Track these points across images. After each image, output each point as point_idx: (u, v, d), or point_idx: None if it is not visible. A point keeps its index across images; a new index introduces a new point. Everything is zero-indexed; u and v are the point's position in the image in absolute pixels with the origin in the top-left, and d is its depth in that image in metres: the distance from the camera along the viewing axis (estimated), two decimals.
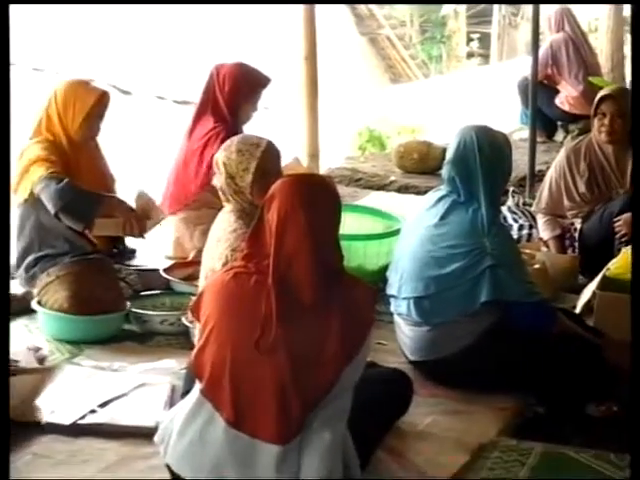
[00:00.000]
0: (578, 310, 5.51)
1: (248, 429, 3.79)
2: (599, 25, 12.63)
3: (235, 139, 4.92)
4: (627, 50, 11.86)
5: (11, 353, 4.73)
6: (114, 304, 5.55)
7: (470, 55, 20.28)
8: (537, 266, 5.97)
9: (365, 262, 5.63)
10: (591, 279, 5.72)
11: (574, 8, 10.49)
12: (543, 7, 8.22)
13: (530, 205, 7.12)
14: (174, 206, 6.46)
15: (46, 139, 5.71)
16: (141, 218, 5.73)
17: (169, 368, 4.88)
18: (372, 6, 19.28)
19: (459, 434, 4.51)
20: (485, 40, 20.14)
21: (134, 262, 6.12)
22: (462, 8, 20.36)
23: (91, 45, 12.52)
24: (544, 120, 9.74)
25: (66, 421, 4.54)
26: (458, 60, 19.94)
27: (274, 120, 7.90)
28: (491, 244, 4.80)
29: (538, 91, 8.35)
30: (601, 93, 6.64)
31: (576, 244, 6.56)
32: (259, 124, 6.60)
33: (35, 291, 5.60)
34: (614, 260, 5.53)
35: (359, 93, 13.69)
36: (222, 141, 6.11)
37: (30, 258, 5.75)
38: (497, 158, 4.96)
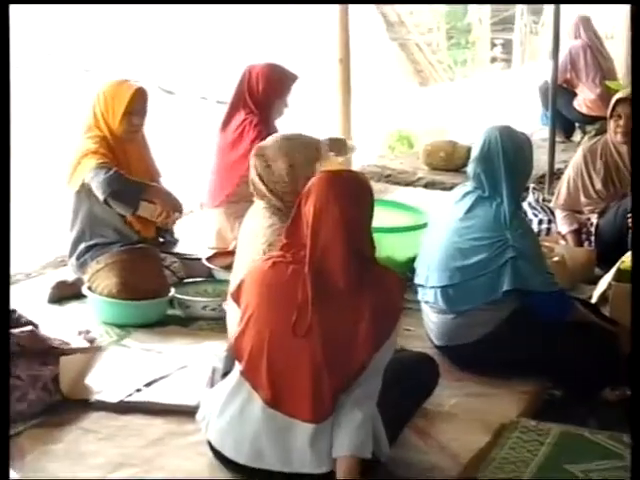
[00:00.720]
0: (594, 300, 5.49)
1: (284, 408, 3.79)
2: (615, 32, 12.58)
3: (274, 138, 4.93)
4: None
5: (62, 335, 4.77)
6: (159, 290, 5.57)
7: (493, 60, 20.21)
8: (556, 259, 5.95)
9: (394, 253, 5.62)
10: (607, 271, 5.70)
11: (592, 16, 10.43)
12: (563, 15, 8.17)
13: (549, 201, 7.09)
14: (215, 199, 6.46)
15: (96, 135, 5.73)
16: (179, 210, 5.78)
17: (210, 350, 4.88)
18: (402, 14, 19.27)
19: (481, 415, 4.51)
20: (508, 46, 20.08)
21: (178, 251, 6.11)
22: (486, 16, 20.34)
23: (139, 47, 12.53)
24: (563, 121, 9.70)
25: (113, 399, 4.55)
26: (482, 65, 19.88)
27: (310, 119, 7.89)
28: (513, 237, 4.80)
29: (557, 94, 8.32)
30: (617, 96, 6.62)
31: (592, 238, 6.54)
32: (295, 122, 6.60)
33: (86, 277, 5.62)
34: (628, 253, 5.49)
35: (390, 95, 13.65)
36: (255, 132, 6.19)
37: (81, 246, 5.78)
38: (519, 157, 4.95)
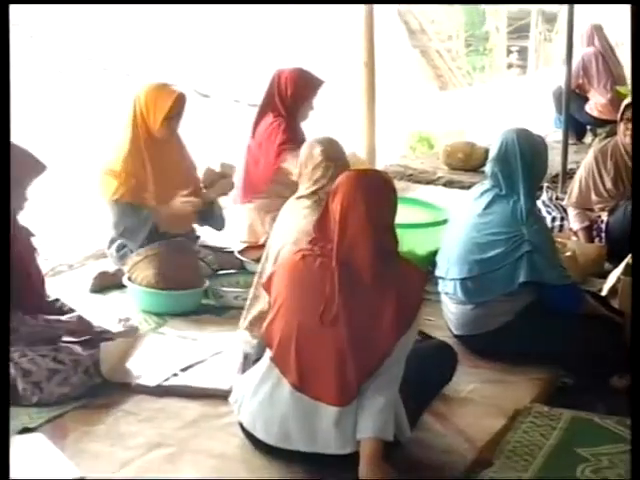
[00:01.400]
0: (604, 293, 5.49)
1: (311, 392, 3.80)
2: (625, 40, 12.51)
3: (314, 140, 5.02)
4: None
5: (102, 324, 4.78)
6: (195, 281, 5.58)
7: (510, 66, 20.15)
8: (568, 254, 5.94)
9: (416, 248, 5.61)
10: (616, 266, 5.70)
11: (604, 25, 10.38)
12: (576, 24, 8.13)
13: (562, 199, 7.07)
14: (246, 196, 6.48)
15: (134, 143, 5.74)
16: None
17: (242, 338, 4.87)
18: (424, 22, 19.27)
19: (497, 400, 4.51)
20: (523, 53, 20.02)
21: (212, 244, 6.12)
22: (503, 25, 20.30)
23: (176, 50, 12.55)
24: (575, 124, 9.67)
25: (152, 383, 4.56)
26: (499, 70, 19.83)
27: (336, 120, 7.90)
28: (528, 232, 4.80)
29: (570, 99, 8.29)
30: (626, 101, 6.60)
31: (603, 234, 6.52)
32: (323, 123, 6.61)
33: (126, 268, 5.63)
34: None
35: (411, 98, 13.63)
36: (282, 136, 6.21)
37: (124, 238, 5.79)
38: (535, 157, 4.95)
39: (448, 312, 5.10)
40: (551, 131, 9.91)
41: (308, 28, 14.40)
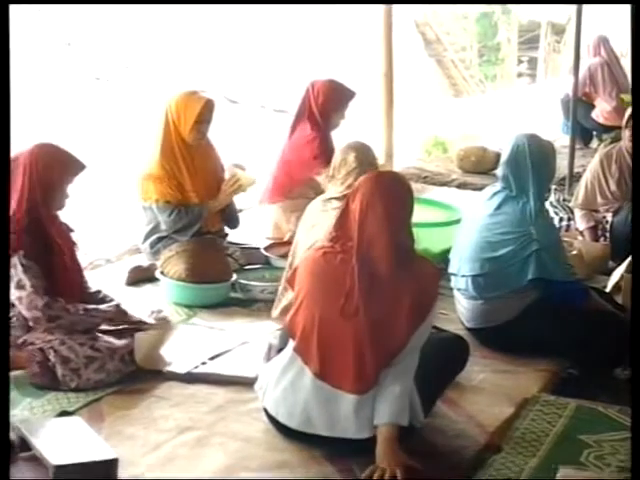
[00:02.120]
0: (608, 289, 5.46)
1: (331, 380, 3.80)
2: (630, 51, 12.47)
3: (348, 146, 5.16)
4: None
5: (137, 314, 4.80)
6: (223, 275, 5.59)
7: (520, 75, 20.08)
8: (574, 252, 5.93)
9: (431, 246, 5.60)
10: (619, 264, 5.68)
11: (609, 36, 10.34)
12: (583, 35, 8.10)
13: (569, 201, 7.05)
14: (276, 196, 6.48)
15: (167, 147, 5.75)
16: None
17: (267, 329, 4.89)
18: (439, 33, 19.24)
19: (506, 390, 4.50)
20: (533, 63, 19.96)
21: (240, 241, 6.13)
22: (514, 36, 20.24)
23: (208, 59, 12.57)
24: (582, 130, 9.64)
25: (182, 370, 4.57)
26: (510, 79, 19.77)
27: (358, 126, 7.89)
28: (537, 232, 4.80)
29: (577, 106, 8.26)
30: (631, 109, 6.57)
31: (607, 234, 6.50)
32: (346, 129, 6.62)
33: (158, 263, 5.65)
34: None
35: (427, 105, 13.61)
36: (316, 144, 6.22)
37: (155, 237, 5.81)
38: (544, 161, 4.95)
39: (460, 306, 5.10)
40: (559, 136, 9.87)
41: (330, 38, 14.40)
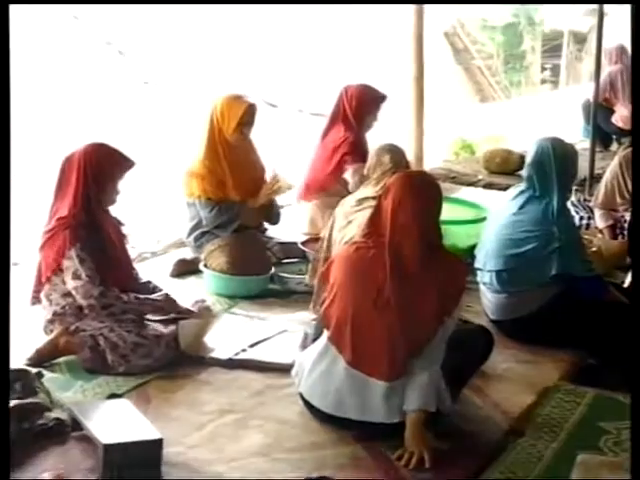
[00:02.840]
0: (626, 284, 5.42)
1: (363, 368, 3.81)
2: None
3: (381, 148, 5.18)
4: None
5: (181, 304, 4.81)
6: (262, 268, 5.59)
7: (543, 82, 19.98)
8: (594, 249, 5.89)
9: (458, 242, 5.57)
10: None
11: (628, 45, 10.24)
12: (603, 44, 8.03)
13: (589, 201, 7.00)
14: (311, 193, 6.48)
15: (211, 147, 5.77)
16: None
17: (303, 319, 4.88)
18: (466, 41, 19.20)
19: (529, 378, 4.49)
20: (556, 70, 19.86)
21: (278, 236, 6.13)
22: (538, 45, 20.16)
23: (250, 63, 12.57)
24: (602, 134, 9.54)
25: (224, 356, 4.59)
26: (534, 85, 19.67)
27: (390, 129, 7.87)
28: (559, 230, 4.78)
29: (597, 111, 8.20)
30: None
31: (625, 232, 6.44)
32: (378, 131, 6.61)
33: (202, 256, 5.66)
34: None
35: (455, 110, 13.56)
36: (350, 145, 6.21)
37: (198, 231, 5.84)
38: (567, 163, 4.92)
39: (485, 300, 5.08)
40: (579, 140, 9.78)
41: (365, 44, 14.37)
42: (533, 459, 3.77)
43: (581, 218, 6.83)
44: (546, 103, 14.48)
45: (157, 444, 3.63)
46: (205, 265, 5.57)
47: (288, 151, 8.19)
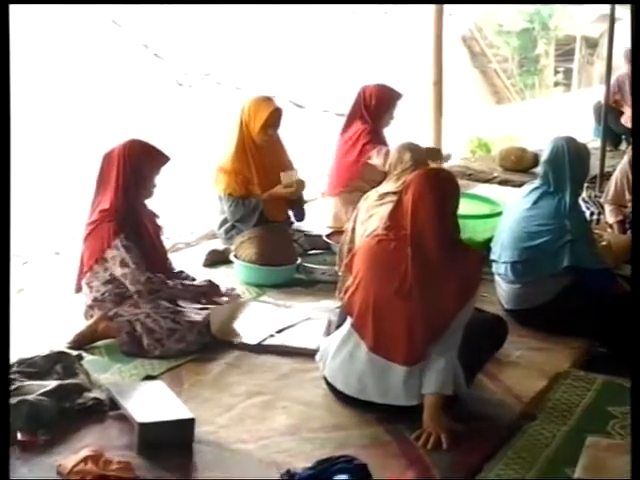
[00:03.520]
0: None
1: (384, 353, 3.81)
2: None
3: (401, 146, 5.21)
4: None
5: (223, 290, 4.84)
6: (289, 259, 5.59)
7: (556, 84, 19.90)
8: (604, 243, 5.85)
9: (474, 235, 5.55)
10: None
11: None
12: (615, 49, 7.97)
13: (599, 197, 6.96)
14: (335, 189, 6.48)
15: (240, 145, 5.78)
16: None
17: (327, 307, 4.88)
18: (483, 45, 19.15)
19: (541, 365, 4.47)
20: (568, 73, 19.77)
21: (304, 229, 6.13)
22: (551, 49, 20.07)
23: (279, 66, 12.57)
24: (612, 134, 9.47)
25: (252, 342, 4.59)
26: (547, 88, 19.59)
27: (411, 128, 7.86)
28: (571, 224, 4.76)
29: (608, 112, 8.14)
30: None
31: None
32: (400, 130, 6.60)
33: (232, 247, 5.67)
34: None
35: (472, 111, 13.52)
36: (366, 140, 6.22)
37: (229, 224, 5.85)
38: (580, 161, 4.91)
39: (500, 290, 5.06)
40: (590, 139, 9.72)
41: (388, 48, 14.34)
42: (544, 441, 3.75)
43: (592, 213, 6.79)
44: (559, 105, 14.42)
45: (189, 423, 3.65)
46: (235, 256, 5.58)
47: (314, 150, 8.18)
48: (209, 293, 4.74)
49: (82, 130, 9.35)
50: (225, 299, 4.87)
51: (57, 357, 4.10)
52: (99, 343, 4.51)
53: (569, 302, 4.75)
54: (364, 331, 3.84)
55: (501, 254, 4.98)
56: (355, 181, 6.29)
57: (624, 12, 9.70)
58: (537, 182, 4.99)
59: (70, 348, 4.34)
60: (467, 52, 19.02)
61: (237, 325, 4.73)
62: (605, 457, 3.56)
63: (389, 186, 5.10)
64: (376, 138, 6.27)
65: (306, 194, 6.24)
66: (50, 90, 10.45)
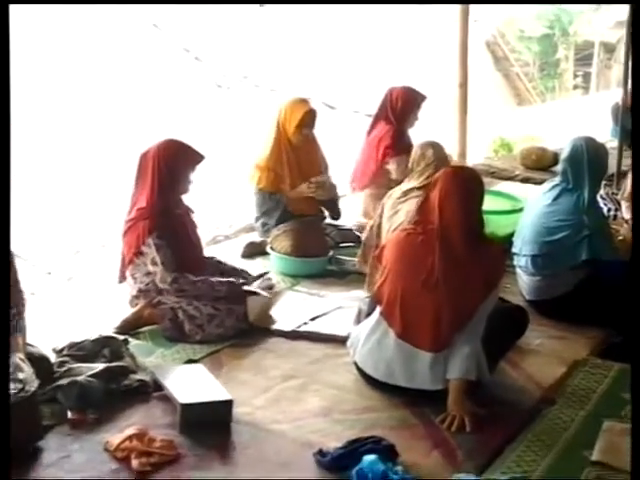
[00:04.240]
0: None
1: (411, 340, 3.81)
2: None
3: (424, 144, 5.17)
4: None
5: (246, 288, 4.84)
6: (321, 251, 5.59)
7: (575, 87, 19.74)
8: (620, 238, 5.77)
9: (497, 230, 5.51)
10: None
11: None
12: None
13: (616, 194, 6.89)
14: (361, 185, 6.47)
15: (276, 144, 5.78)
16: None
17: (357, 296, 4.87)
18: (506, 50, 19.03)
19: (560, 353, 4.45)
20: (587, 77, 19.62)
21: (335, 223, 6.13)
22: (571, 54, 19.93)
23: (312, 68, 12.56)
24: (628, 134, 9.40)
25: (287, 328, 4.61)
26: (566, 91, 19.43)
27: (437, 128, 7.83)
28: (589, 219, 4.74)
29: (625, 114, 8.07)
30: None
31: None
32: (427, 130, 6.57)
33: (268, 240, 5.68)
34: None
35: (495, 112, 13.45)
36: (391, 139, 6.18)
37: (265, 218, 5.85)
38: (599, 159, 4.89)
39: (521, 281, 5.04)
40: (608, 139, 9.62)
41: (416, 53, 14.30)
42: (563, 425, 3.75)
43: (609, 210, 6.71)
44: (578, 106, 14.31)
45: (228, 404, 3.67)
46: (271, 248, 5.59)
47: (345, 149, 8.19)
48: (229, 298, 4.65)
49: (127, 130, 9.39)
50: (259, 290, 4.84)
51: (105, 341, 4.13)
52: (144, 329, 4.54)
53: (587, 293, 4.72)
54: (392, 319, 3.84)
55: (522, 248, 4.96)
56: (378, 179, 6.28)
57: None
58: (557, 179, 4.96)
59: (117, 333, 4.37)
60: (491, 56, 18.92)
61: (273, 313, 4.74)
62: (620, 441, 3.54)
63: (412, 182, 5.09)
64: (398, 140, 6.24)
65: (338, 191, 6.23)
66: (98, 91, 10.51)
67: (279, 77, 10.88)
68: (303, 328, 4.62)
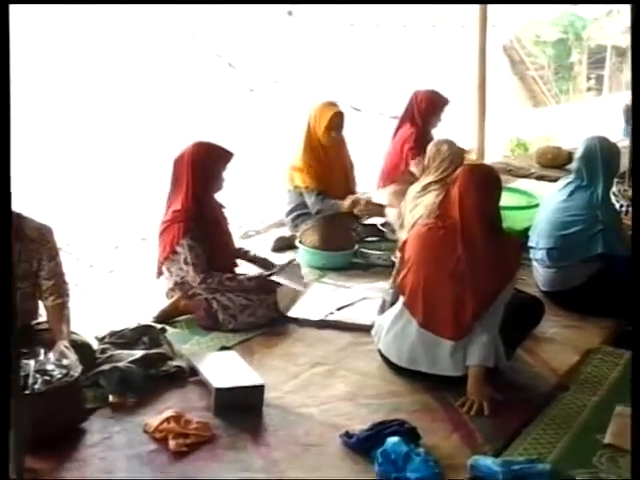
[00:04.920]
0: None
1: (433, 329, 3.80)
2: None
3: (438, 141, 5.19)
4: None
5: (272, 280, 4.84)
6: (348, 245, 5.59)
7: (589, 89, 19.63)
8: (631, 232, 5.75)
9: (514, 224, 5.49)
10: None
11: None
12: None
13: (628, 191, 6.84)
14: (386, 183, 6.46)
15: (307, 145, 5.80)
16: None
17: (382, 287, 4.86)
18: (522, 54, 18.96)
19: (574, 341, 4.42)
20: (600, 79, 19.51)
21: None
22: (584, 57, 19.81)
23: (340, 72, 12.56)
24: None
25: (315, 318, 4.60)
26: (580, 93, 19.33)
27: (457, 129, 7.81)
28: (602, 214, 4.71)
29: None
30: None
31: None
32: (447, 131, 6.55)
33: (298, 234, 5.68)
34: None
35: (512, 113, 13.39)
36: (414, 141, 6.18)
37: (295, 214, 5.87)
38: (612, 158, 4.85)
39: (537, 273, 5.01)
40: (620, 139, 9.53)
41: (437, 56, 14.25)
42: (577, 410, 3.73)
43: (621, 206, 6.67)
44: (591, 108, 14.21)
45: (259, 389, 3.67)
46: (300, 241, 5.59)
47: (370, 150, 8.18)
48: (257, 290, 4.62)
49: (164, 132, 9.44)
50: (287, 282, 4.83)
51: (144, 330, 4.15)
52: (180, 318, 4.55)
53: (600, 285, 4.68)
54: (415, 309, 3.84)
55: (538, 241, 4.93)
56: (401, 178, 6.27)
57: None
58: (571, 177, 4.93)
59: (155, 322, 4.38)
60: (507, 60, 18.84)
61: (302, 303, 4.74)
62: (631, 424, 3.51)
63: (430, 177, 5.10)
64: (421, 143, 6.22)
65: (362, 188, 6.22)
66: (139, 95, 10.57)
67: (307, 81, 10.89)
68: (330, 318, 4.62)
